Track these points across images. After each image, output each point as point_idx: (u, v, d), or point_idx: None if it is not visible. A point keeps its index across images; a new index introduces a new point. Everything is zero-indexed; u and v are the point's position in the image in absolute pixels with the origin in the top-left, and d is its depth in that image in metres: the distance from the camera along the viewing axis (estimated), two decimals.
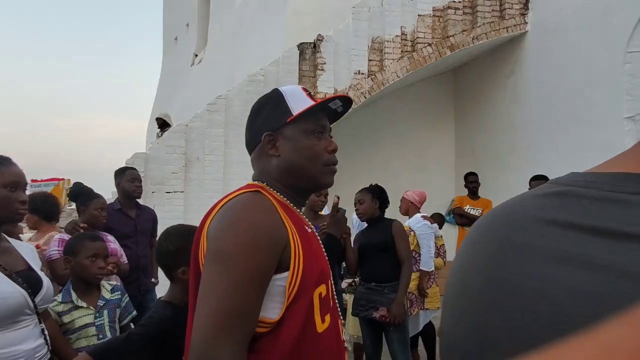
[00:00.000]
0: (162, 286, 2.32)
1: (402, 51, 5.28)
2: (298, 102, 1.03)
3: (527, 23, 5.61)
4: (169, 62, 12.58)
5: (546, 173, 3.67)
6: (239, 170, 4.78)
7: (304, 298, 0.89)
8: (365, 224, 3.09)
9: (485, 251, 0.38)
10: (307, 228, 1.01)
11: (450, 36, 5.38)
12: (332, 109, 1.07)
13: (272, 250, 0.86)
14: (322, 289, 0.94)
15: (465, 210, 4.80)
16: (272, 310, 0.87)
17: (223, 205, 0.93)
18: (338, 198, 1.79)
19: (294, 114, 1.01)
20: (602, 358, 0.19)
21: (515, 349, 0.32)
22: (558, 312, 0.31)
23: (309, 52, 5.08)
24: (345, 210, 1.86)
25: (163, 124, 5.27)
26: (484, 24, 5.49)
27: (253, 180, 1.04)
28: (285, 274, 0.88)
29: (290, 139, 1.02)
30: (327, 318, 0.95)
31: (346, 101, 1.07)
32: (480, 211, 4.69)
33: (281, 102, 1.04)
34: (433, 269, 3.43)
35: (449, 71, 7.06)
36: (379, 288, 2.80)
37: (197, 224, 1.02)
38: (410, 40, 5.37)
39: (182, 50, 11.43)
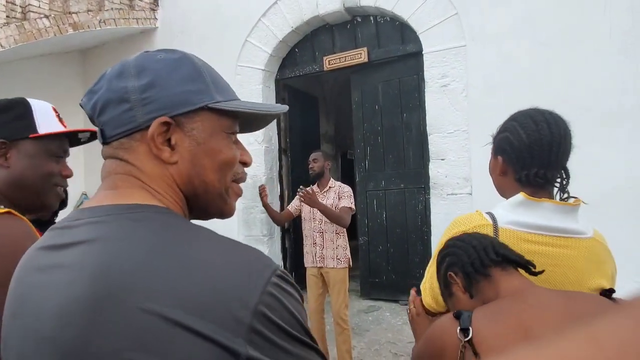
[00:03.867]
0: None
1: (8, 16, 4.35)
2: (46, 120, 1.02)
3: (157, 19, 5.73)
4: None
5: None
6: None
7: None
8: None
9: (14, 276, 0.59)
10: None
11: (74, 13, 4.85)
12: (76, 136, 1.08)
13: None
14: None
15: None
16: None
17: None
18: None
19: (39, 132, 1.00)
20: (592, 350, 0.19)
21: None
22: (37, 300, 0.53)
23: None
24: None
25: None
26: (112, 9, 5.23)
27: None
28: None
29: (29, 154, 0.99)
30: None
31: (93, 134, 1.06)
32: None
33: (27, 115, 1.01)
34: None
35: (76, 51, 6.38)
36: None
37: None
38: (21, 6, 4.50)
39: None
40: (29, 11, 4.53)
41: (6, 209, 0.90)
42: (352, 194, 3.26)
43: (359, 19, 4.67)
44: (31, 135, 0.99)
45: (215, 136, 0.59)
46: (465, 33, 3.86)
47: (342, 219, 3.09)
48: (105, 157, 0.59)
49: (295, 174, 5.37)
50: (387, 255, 4.63)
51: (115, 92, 0.56)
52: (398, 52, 4.42)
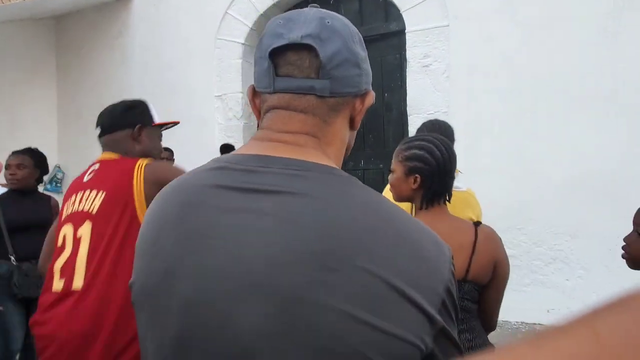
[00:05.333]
0: None
1: None
2: (155, 114, 1.59)
3: None
4: None
5: None
6: None
7: None
8: None
9: (171, 212, 0.57)
10: None
11: None
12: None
13: None
14: None
15: None
16: None
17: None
18: None
19: (155, 122, 1.58)
20: (593, 347, 0.18)
21: (195, 277, 0.54)
22: (230, 241, 0.53)
23: None
24: None
25: None
26: None
27: (111, 151, 1.50)
28: None
29: (151, 137, 1.55)
30: None
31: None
32: None
33: (148, 110, 1.58)
34: None
35: (49, 18, 6.12)
36: None
37: None
38: None
39: None
40: None
41: None
42: None
43: None
44: (153, 124, 1.57)
45: None
46: (449, 12, 3.84)
47: None
48: (299, 110, 0.59)
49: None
50: None
51: (353, 55, 0.59)
52: (381, 30, 4.38)
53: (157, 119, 1.56)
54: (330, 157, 0.60)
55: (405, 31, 4.07)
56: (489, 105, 3.69)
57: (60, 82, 6.44)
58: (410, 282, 0.50)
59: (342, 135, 0.63)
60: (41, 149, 6.52)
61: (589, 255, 3.26)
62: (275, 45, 0.57)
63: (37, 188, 2.74)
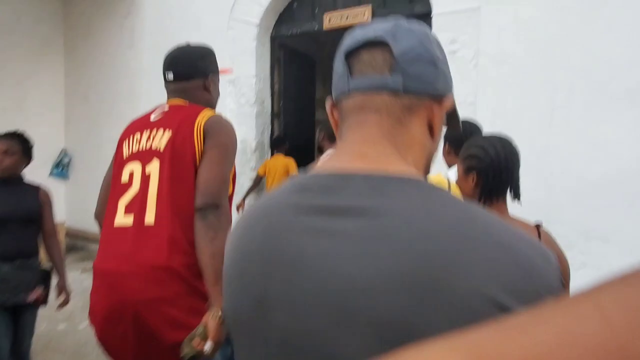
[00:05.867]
0: None
1: None
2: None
3: None
4: None
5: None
6: None
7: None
8: None
9: (255, 238, 0.58)
10: None
11: None
12: None
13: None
14: None
15: None
16: None
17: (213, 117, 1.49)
18: None
19: (220, 70, 1.70)
20: (599, 324, 0.18)
21: (292, 296, 0.52)
22: (316, 267, 0.51)
23: None
24: None
25: None
26: None
27: (178, 97, 1.56)
28: None
29: (215, 84, 1.64)
30: None
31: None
32: None
33: (215, 59, 1.67)
34: None
35: None
36: (29, 264, 2.33)
37: None
38: None
39: None
40: None
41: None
42: None
43: None
44: (219, 73, 1.66)
45: None
46: None
47: None
48: (373, 109, 0.57)
49: (287, 140, 5.13)
50: None
51: (428, 52, 0.57)
52: (405, 12, 4.10)
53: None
54: (410, 164, 0.57)
55: (432, 14, 3.80)
56: (519, 98, 3.42)
57: (68, 63, 6.26)
58: (515, 295, 0.45)
59: (421, 141, 0.59)
60: (48, 132, 6.35)
61: (622, 262, 3.02)
62: (350, 46, 0.59)
63: (22, 177, 2.42)
